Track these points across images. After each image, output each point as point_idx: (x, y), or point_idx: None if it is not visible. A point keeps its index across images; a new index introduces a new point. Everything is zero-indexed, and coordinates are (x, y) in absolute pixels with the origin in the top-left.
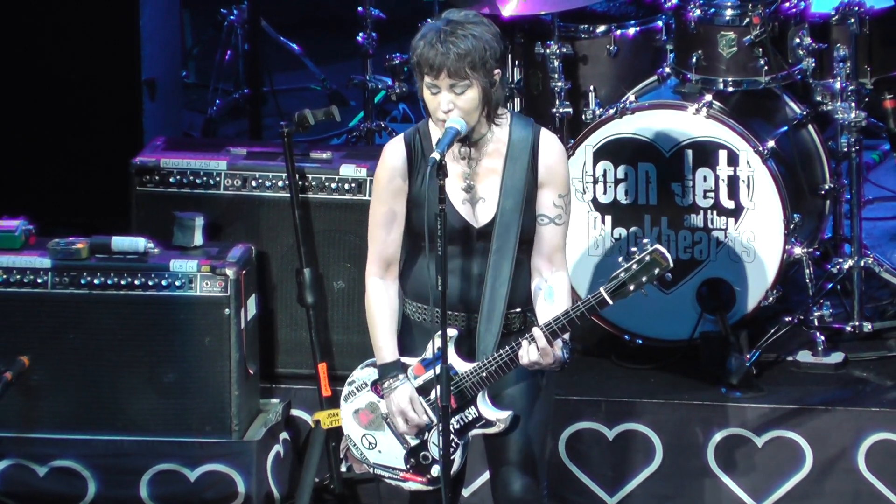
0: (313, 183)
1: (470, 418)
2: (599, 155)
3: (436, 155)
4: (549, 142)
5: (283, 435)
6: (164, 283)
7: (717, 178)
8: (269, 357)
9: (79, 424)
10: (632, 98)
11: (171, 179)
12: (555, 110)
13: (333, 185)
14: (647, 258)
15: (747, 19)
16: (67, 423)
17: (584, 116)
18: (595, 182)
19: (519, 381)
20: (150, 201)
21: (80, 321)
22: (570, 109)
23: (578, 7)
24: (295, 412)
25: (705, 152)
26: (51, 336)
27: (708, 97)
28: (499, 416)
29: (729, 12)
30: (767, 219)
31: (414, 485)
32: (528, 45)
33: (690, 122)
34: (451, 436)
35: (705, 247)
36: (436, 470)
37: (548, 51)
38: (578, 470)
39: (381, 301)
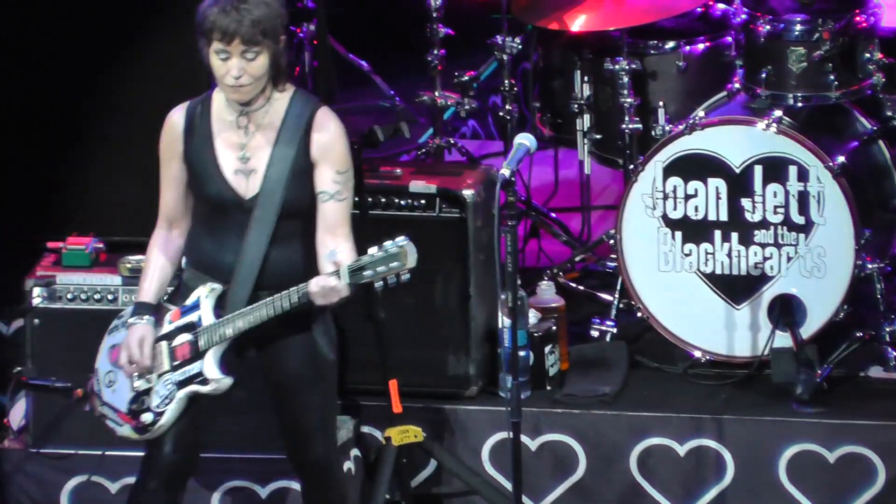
0: (383, 199)
1: (193, 372)
2: (669, 171)
3: (505, 171)
4: (323, 119)
5: (354, 451)
6: None
7: (787, 193)
8: (340, 374)
9: (147, 443)
10: (701, 114)
11: None
12: (624, 126)
13: (403, 202)
14: (393, 250)
15: (817, 34)
16: (138, 440)
17: (653, 132)
18: (665, 198)
19: (297, 355)
20: None
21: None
22: (640, 125)
23: (647, 23)
24: (365, 429)
25: (775, 168)
26: None
27: (778, 112)
28: (215, 377)
29: (798, 27)
30: (838, 234)
31: (127, 429)
32: (597, 61)
33: (760, 138)
34: (172, 386)
35: (776, 262)
36: (146, 417)
37: (616, 67)
38: (650, 486)
39: (156, 249)
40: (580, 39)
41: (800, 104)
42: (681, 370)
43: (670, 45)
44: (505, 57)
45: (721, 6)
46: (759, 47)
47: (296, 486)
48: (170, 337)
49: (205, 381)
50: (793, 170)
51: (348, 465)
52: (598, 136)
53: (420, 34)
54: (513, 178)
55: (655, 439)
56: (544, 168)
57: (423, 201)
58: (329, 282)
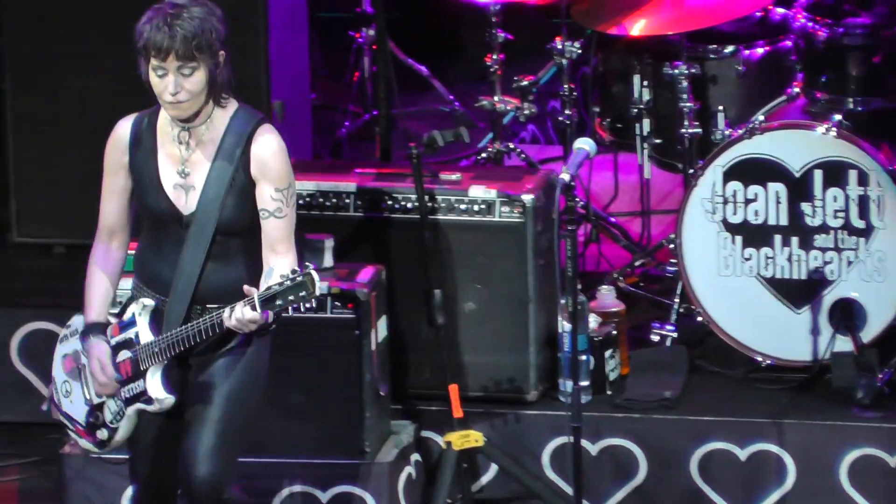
0: (442, 204)
1: (137, 391)
2: (729, 175)
3: (565, 175)
4: (263, 136)
5: (415, 456)
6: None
7: (847, 197)
8: (400, 378)
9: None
10: (761, 118)
11: (300, 201)
12: (683, 130)
13: (462, 207)
14: (299, 279)
15: (876, 38)
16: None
17: (713, 137)
18: (725, 202)
19: (219, 372)
20: None
21: None
22: (700, 130)
23: (706, 27)
24: (426, 433)
25: (835, 172)
26: None
27: (837, 117)
28: (159, 396)
29: (858, 31)
30: None
31: (85, 442)
32: (657, 65)
33: (820, 142)
34: (121, 402)
35: (836, 267)
36: (101, 433)
37: (676, 71)
38: (710, 490)
39: (97, 264)
40: (640, 44)
41: (860, 108)
42: (741, 374)
43: (730, 49)
44: (564, 61)
45: (780, 10)
46: (819, 51)
47: (357, 490)
48: (114, 352)
49: (149, 401)
50: (853, 174)
51: (409, 470)
52: (657, 141)
53: (479, 39)
54: (572, 183)
55: (716, 444)
56: (604, 172)
57: (482, 206)
58: (245, 314)
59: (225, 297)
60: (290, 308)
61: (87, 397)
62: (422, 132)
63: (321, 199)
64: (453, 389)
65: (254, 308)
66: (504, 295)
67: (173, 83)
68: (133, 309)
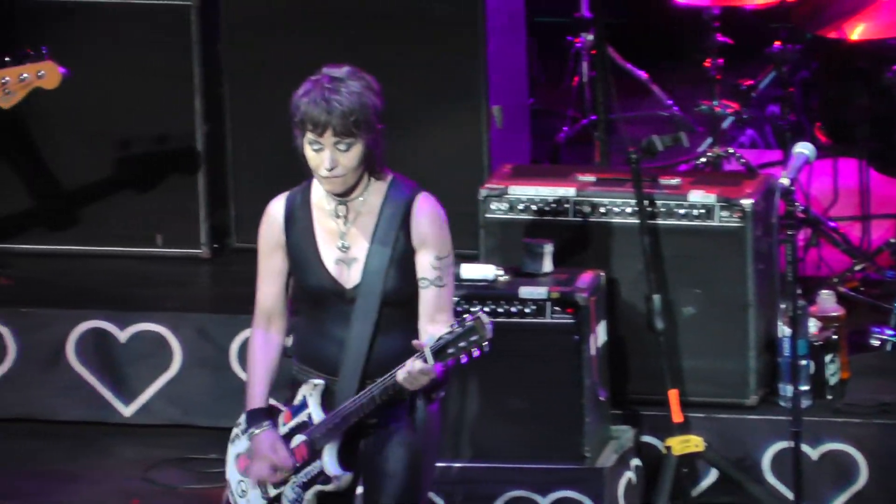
0: (662, 209)
1: (314, 473)
2: None
3: (785, 180)
4: (423, 205)
5: (635, 461)
6: (513, 309)
7: None
8: (620, 383)
9: None
10: None
11: (519, 206)
12: None
13: (682, 211)
14: (469, 323)
15: None
16: None
17: None
18: None
19: (393, 447)
20: (499, 228)
21: None
22: None
23: None
24: (646, 438)
25: None
26: None
27: None
28: (336, 474)
29: None
30: None
31: None
32: (877, 69)
33: None
34: (298, 489)
35: None
36: None
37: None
38: (785, 489)
39: (257, 351)
40: (859, 48)
41: None
42: None
43: None
44: (784, 66)
45: None
46: None
47: (577, 495)
48: (287, 439)
49: (327, 480)
50: None
51: (629, 475)
52: (877, 145)
53: (698, 43)
54: (792, 188)
55: (789, 442)
56: (823, 177)
57: (702, 210)
58: (416, 366)
59: (392, 369)
60: (461, 358)
61: (264, 491)
62: (641, 137)
63: (540, 204)
64: (673, 394)
65: (425, 360)
66: (723, 299)
67: (329, 159)
68: (303, 391)
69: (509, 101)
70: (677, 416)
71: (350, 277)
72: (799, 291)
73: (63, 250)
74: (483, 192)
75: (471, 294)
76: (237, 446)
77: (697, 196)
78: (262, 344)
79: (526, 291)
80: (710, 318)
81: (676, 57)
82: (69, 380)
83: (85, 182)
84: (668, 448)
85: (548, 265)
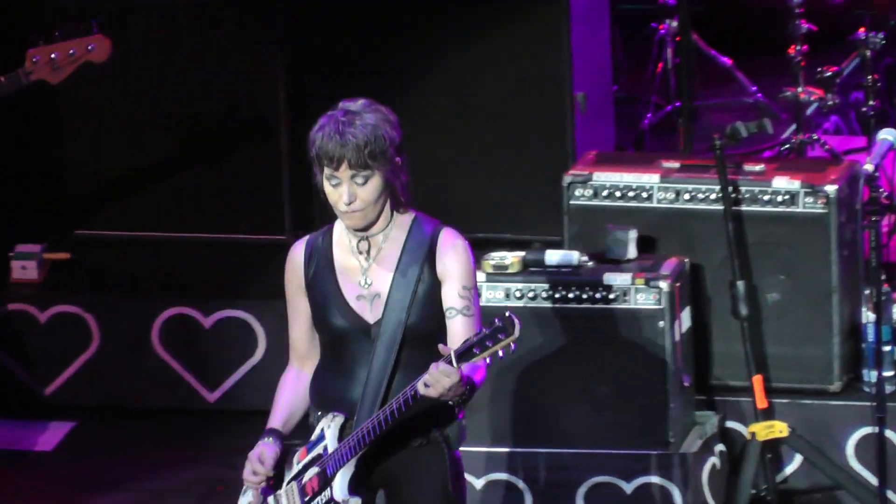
0: (746, 195)
1: (323, 501)
2: None
3: (869, 166)
4: (448, 237)
5: (719, 447)
6: (597, 296)
7: None
8: (703, 369)
9: (514, 438)
10: None
11: (603, 193)
12: None
13: (766, 198)
14: (498, 324)
15: None
16: (503, 436)
17: None
18: None
19: (424, 488)
20: (583, 214)
21: None
22: None
23: None
24: (730, 424)
25: None
26: None
27: None
28: (343, 498)
29: None
30: None
31: None
32: None
33: None
34: None
35: None
36: None
37: None
38: (869, 474)
39: (285, 385)
40: None
41: None
42: None
43: None
44: (868, 52)
45: None
46: None
47: (661, 481)
48: (299, 475)
49: None
50: None
51: (713, 461)
52: None
53: (782, 30)
54: (876, 174)
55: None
56: None
57: (786, 197)
58: (439, 366)
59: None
60: (489, 358)
61: None
62: (725, 123)
63: (625, 191)
64: (757, 380)
65: (449, 362)
66: (807, 286)
67: (347, 193)
68: (322, 424)
69: (593, 89)
70: (761, 402)
71: (372, 313)
72: (883, 277)
73: (148, 237)
74: (567, 179)
75: (555, 280)
76: (247, 496)
77: (782, 182)
78: (291, 378)
79: (610, 277)
80: (795, 305)
81: (760, 44)
82: (153, 367)
83: (170, 169)
84: (753, 434)
85: (632, 251)
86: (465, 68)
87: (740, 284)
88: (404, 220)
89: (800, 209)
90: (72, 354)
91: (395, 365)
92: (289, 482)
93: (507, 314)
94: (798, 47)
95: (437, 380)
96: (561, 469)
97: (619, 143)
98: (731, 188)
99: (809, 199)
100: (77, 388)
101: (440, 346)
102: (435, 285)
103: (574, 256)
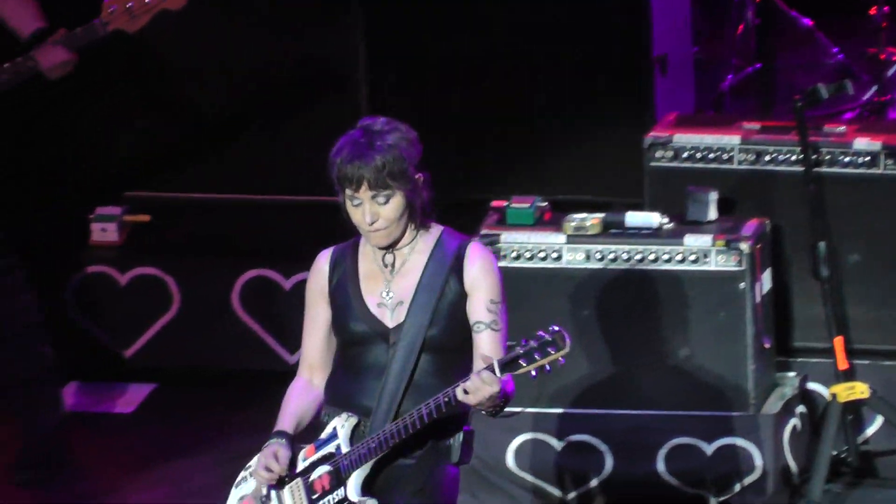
0: (826, 157)
1: (335, 501)
2: None
3: None
4: (476, 250)
5: (800, 408)
6: (678, 257)
7: None
8: (784, 331)
9: (594, 400)
10: None
11: (683, 155)
12: None
13: (846, 159)
14: (548, 338)
15: None
16: (583, 398)
17: None
18: None
19: (413, 495)
20: (664, 177)
21: (594, 296)
22: None
23: None
24: (811, 385)
25: None
26: (565, 311)
27: None
28: (360, 499)
29: None
30: None
31: None
32: None
33: None
34: None
35: None
36: None
37: None
38: None
39: (294, 392)
40: None
41: None
42: None
43: None
44: None
45: None
46: None
47: (741, 443)
48: (306, 473)
49: None
50: None
51: (794, 422)
52: None
53: None
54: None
55: None
56: None
57: (866, 158)
58: (483, 374)
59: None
60: (533, 372)
61: None
62: (805, 85)
63: (705, 153)
64: (838, 342)
65: (492, 370)
66: (888, 247)
67: (369, 213)
68: (334, 423)
69: (673, 50)
70: (842, 364)
71: (393, 319)
72: None
73: (228, 199)
74: (648, 141)
75: (635, 242)
76: (241, 489)
77: (862, 144)
78: (300, 387)
79: (691, 239)
80: (875, 266)
81: (842, 4)
82: (234, 329)
83: (250, 129)
84: (833, 395)
85: (712, 213)
86: (544, 35)
87: (821, 246)
88: (431, 233)
89: (880, 170)
90: (152, 317)
91: (413, 372)
92: (293, 478)
93: (556, 328)
94: (880, 8)
95: (477, 388)
96: (641, 430)
97: (700, 106)
98: (811, 150)
99: (890, 161)
100: (157, 351)
101: (483, 355)
102: (460, 298)
103: (654, 218)
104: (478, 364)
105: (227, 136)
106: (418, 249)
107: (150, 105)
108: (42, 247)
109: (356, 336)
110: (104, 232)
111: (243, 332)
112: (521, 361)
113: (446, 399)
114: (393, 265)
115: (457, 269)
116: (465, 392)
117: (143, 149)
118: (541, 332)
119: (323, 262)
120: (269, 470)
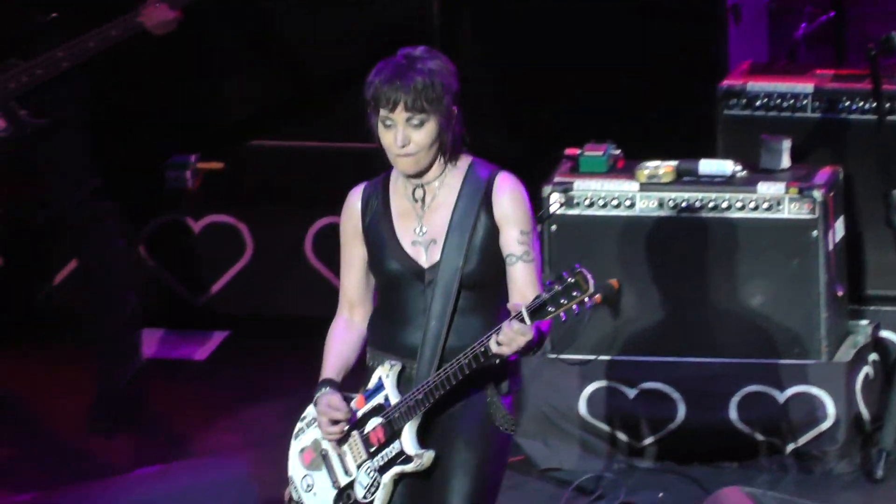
0: None
1: (393, 454)
2: None
3: None
4: (504, 182)
5: (872, 356)
6: (751, 205)
7: None
8: (857, 279)
9: (667, 347)
10: None
11: (757, 103)
12: None
13: None
14: (570, 280)
15: None
16: (655, 346)
17: None
18: None
19: (466, 446)
20: (737, 125)
21: (667, 244)
22: None
23: None
24: (883, 333)
25: None
26: (638, 259)
27: None
28: (417, 452)
29: None
30: None
31: None
32: None
33: None
34: (374, 473)
35: None
36: None
37: None
38: None
39: (335, 334)
40: None
41: None
42: None
43: None
44: None
45: None
46: None
47: (814, 391)
48: (360, 424)
49: (408, 459)
50: None
51: (866, 370)
52: None
53: None
54: None
55: None
56: None
57: None
58: (514, 326)
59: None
60: (562, 316)
61: (335, 480)
62: (879, 33)
63: (778, 101)
64: None
65: (522, 320)
66: None
67: (402, 135)
68: (379, 373)
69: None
70: None
71: (429, 258)
72: None
73: (302, 146)
74: (721, 90)
75: (708, 190)
76: (301, 441)
77: None
78: (342, 327)
79: (764, 187)
80: None
81: None
82: (306, 276)
83: (321, 81)
84: None
85: (786, 161)
86: None
87: (894, 194)
88: (461, 165)
89: None
90: (225, 264)
91: (454, 311)
92: (349, 432)
93: (578, 268)
94: None
95: (511, 339)
96: (714, 378)
97: (773, 55)
98: (884, 98)
99: None
100: (230, 298)
101: (509, 304)
102: (492, 231)
103: (727, 166)
104: (514, 297)
105: (302, 87)
106: (447, 184)
107: (229, 59)
108: (119, 193)
109: (392, 275)
110: (178, 179)
111: (316, 280)
112: (548, 308)
113: (482, 349)
114: (423, 200)
115: (486, 202)
116: (499, 344)
117: (217, 98)
118: (564, 273)
119: (354, 200)
120: (335, 422)
